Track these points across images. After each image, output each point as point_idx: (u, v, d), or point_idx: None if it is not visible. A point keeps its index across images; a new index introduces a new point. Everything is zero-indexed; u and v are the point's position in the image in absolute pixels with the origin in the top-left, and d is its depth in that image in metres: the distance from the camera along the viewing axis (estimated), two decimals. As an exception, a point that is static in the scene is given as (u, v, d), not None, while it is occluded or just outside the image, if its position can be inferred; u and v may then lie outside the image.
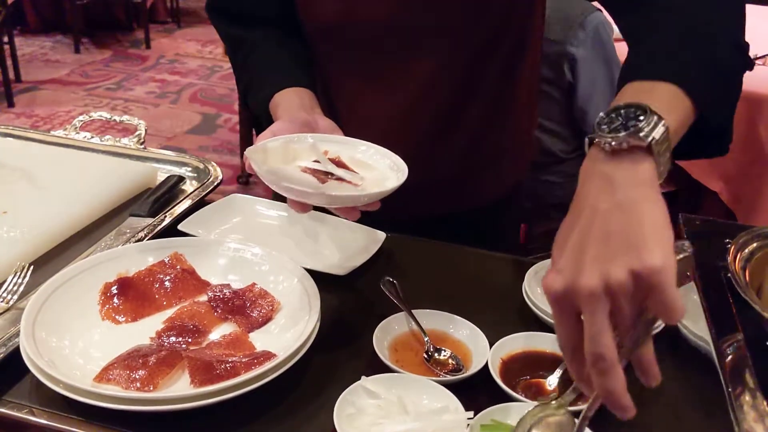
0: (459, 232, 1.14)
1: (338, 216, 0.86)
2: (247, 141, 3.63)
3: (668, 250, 0.57)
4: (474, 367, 0.83)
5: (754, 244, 0.89)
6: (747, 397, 0.70)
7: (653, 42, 0.78)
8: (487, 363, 0.83)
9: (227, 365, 0.78)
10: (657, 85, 0.70)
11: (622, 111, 0.65)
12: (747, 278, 0.84)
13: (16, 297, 0.89)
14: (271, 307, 0.91)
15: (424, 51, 1.05)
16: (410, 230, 1.12)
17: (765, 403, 0.69)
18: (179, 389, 0.78)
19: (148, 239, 1.02)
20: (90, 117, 1.38)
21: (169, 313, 0.90)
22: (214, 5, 1.18)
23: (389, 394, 0.77)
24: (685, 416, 0.80)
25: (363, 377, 0.78)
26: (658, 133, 0.63)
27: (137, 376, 0.76)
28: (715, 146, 0.82)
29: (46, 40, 5.72)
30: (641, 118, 0.63)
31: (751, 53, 0.82)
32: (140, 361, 0.78)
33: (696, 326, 0.88)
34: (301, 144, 0.89)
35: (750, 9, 0.82)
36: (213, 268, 0.97)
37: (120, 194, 1.16)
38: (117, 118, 1.38)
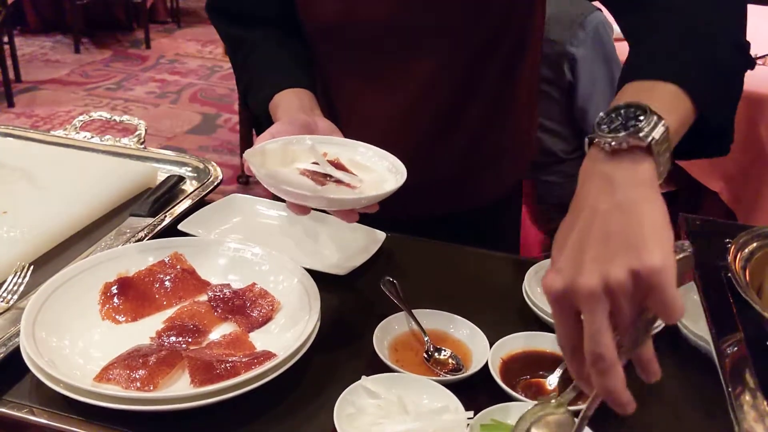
0: (459, 232, 1.14)
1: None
2: (247, 141, 3.63)
3: (668, 249, 0.57)
4: (474, 367, 0.83)
5: (754, 244, 0.89)
6: (747, 397, 0.70)
7: (653, 42, 0.78)
8: (487, 363, 0.83)
9: (227, 365, 0.78)
10: (657, 85, 0.70)
11: (622, 111, 0.65)
12: (747, 278, 0.84)
13: (16, 297, 0.89)
14: (271, 307, 0.91)
15: (424, 51, 1.05)
16: (410, 230, 1.12)
17: (765, 403, 0.69)
18: (179, 389, 0.78)
19: (148, 239, 1.02)
20: (90, 117, 1.38)
21: (169, 312, 0.90)
22: (214, 5, 1.18)
23: (389, 394, 0.77)
24: (685, 416, 0.80)
25: (363, 377, 0.78)
26: (658, 133, 0.63)
27: (137, 376, 0.76)
28: (715, 146, 0.82)
29: (46, 40, 5.72)
30: (641, 118, 0.63)
31: (752, 53, 0.82)
32: (140, 360, 0.78)
33: (696, 326, 0.88)
34: (300, 146, 0.89)
35: (750, 9, 0.82)
36: (213, 268, 0.97)
37: (120, 194, 1.16)
38: (117, 118, 1.38)
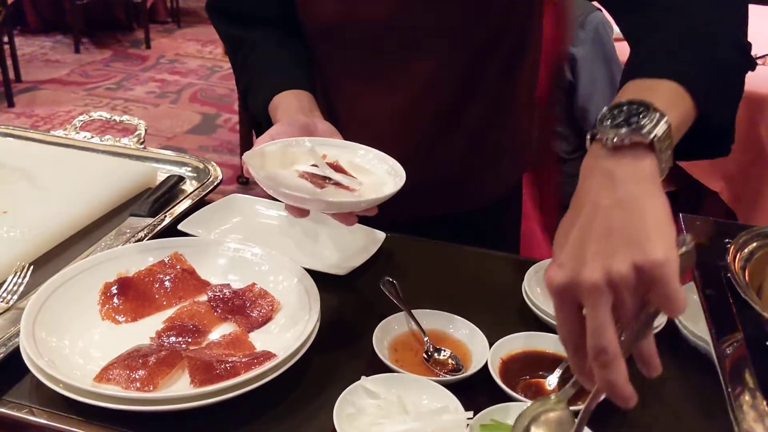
0: (459, 232, 1.14)
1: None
2: (247, 141, 3.63)
3: (671, 243, 0.57)
4: (474, 367, 0.83)
5: (754, 244, 0.89)
6: (747, 397, 0.70)
7: (653, 42, 0.78)
8: (486, 363, 0.83)
9: (227, 365, 0.78)
10: (658, 83, 0.70)
11: (625, 107, 0.65)
12: (747, 278, 0.84)
13: (16, 297, 0.89)
14: (270, 307, 0.91)
15: (424, 51, 1.05)
16: (410, 230, 1.12)
17: (765, 403, 0.69)
18: (179, 389, 0.78)
19: (148, 239, 1.02)
20: (90, 117, 1.38)
21: (169, 313, 0.90)
22: (214, 5, 1.18)
23: (389, 394, 0.77)
24: (685, 416, 0.80)
25: (363, 377, 0.78)
26: (660, 130, 0.63)
27: (137, 376, 0.76)
28: (717, 147, 0.82)
29: (46, 40, 5.73)
30: (644, 114, 0.63)
31: (752, 53, 0.82)
32: (140, 361, 0.78)
33: (696, 326, 0.88)
34: (299, 148, 0.89)
35: (750, 9, 0.82)
36: (213, 268, 0.97)
37: (120, 194, 1.16)
38: (117, 118, 1.38)
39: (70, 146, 1.30)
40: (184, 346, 0.85)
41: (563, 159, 2.19)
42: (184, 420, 0.75)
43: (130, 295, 0.91)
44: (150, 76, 5.17)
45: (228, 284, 0.95)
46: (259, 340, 0.86)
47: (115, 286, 0.91)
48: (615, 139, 0.63)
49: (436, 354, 0.86)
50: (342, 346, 0.88)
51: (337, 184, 0.85)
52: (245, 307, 0.90)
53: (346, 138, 0.96)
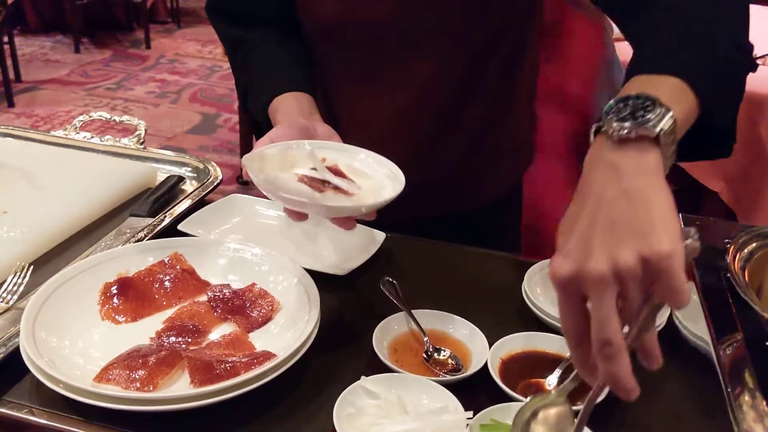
0: (459, 232, 1.14)
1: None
2: (247, 141, 3.63)
3: (676, 235, 0.57)
4: (473, 367, 0.83)
5: (754, 244, 0.89)
6: (746, 397, 0.70)
7: (655, 41, 0.78)
8: (486, 363, 0.83)
9: (227, 365, 0.78)
10: (663, 79, 0.70)
11: (631, 101, 0.65)
12: (746, 278, 0.84)
13: (16, 297, 0.89)
14: (270, 307, 0.91)
15: (424, 51, 1.05)
16: (410, 230, 1.12)
17: (764, 403, 0.69)
18: (179, 389, 0.78)
19: (148, 239, 1.02)
20: (90, 117, 1.38)
21: (169, 313, 0.90)
22: (214, 5, 1.18)
23: (389, 394, 0.77)
24: (685, 416, 0.81)
25: (363, 377, 0.79)
26: (666, 124, 0.63)
27: (137, 376, 0.76)
28: (718, 147, 0.82)
29: (46, 40, 5.73)
30: (650, 108, 0.64)
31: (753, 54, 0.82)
32: (140, 361, 0.78)
33: (696, 326, 0.88)
34: (298, 151, 0.89)
35: (751, 9, 0.82)
36: (213, 268, 0.97)
37: (120, 194, 1.16)
38: (117, 118, 1.38)
39: (70, 146, 1.30)
40: (183, 346, 0.85)
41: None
42: (184, 420, 0.75)
43: (130, 295, 0.91)
44: (150, 76, 5.17)
45: (228, 284, 0.95)
46: (259, 340, 0.86)
47: (115, 286, 0.91)
48: (621, 132, 0.63)
49: (435, 354, 0.86)
50: (342, 346, 0.88)
51: (336, 188, 0.85)
52: (245, 307, 0.90)
53: (346, 138, 0.96)
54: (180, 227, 1.07)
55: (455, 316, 0.91)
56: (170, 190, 1.16)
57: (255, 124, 1.16)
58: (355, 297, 0.98)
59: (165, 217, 1.08)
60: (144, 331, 0.87)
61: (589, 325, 0.58)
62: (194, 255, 0.98)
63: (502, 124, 1.17)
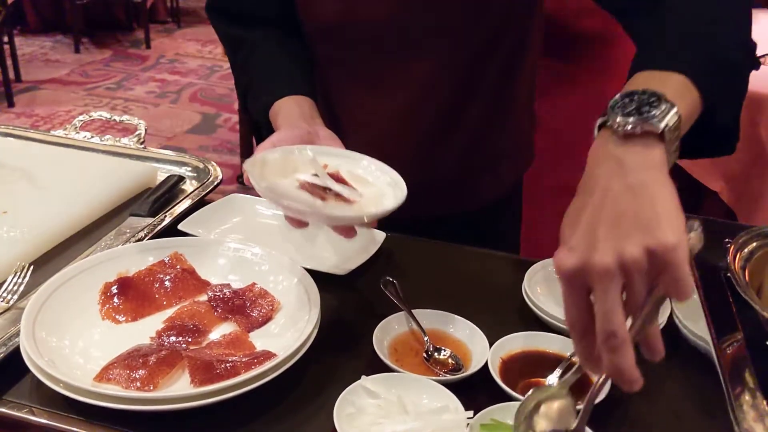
0: (459, 232, 1.14)
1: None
2: (247, 141, 3.63)
3: (681, 228, 0.58)
4: (474, 367, 0.83)
5: (754, 244, 0.89)
6: (747, 397, 0.70)
7: (659, 40, 0.79)
8: (486, 362, 0.83)
9: (227, 365, 0.78)
10: (667, 75, 0.71)
11: (636, 96, 0.65)
12: (747, 278, 0.84)
13: (16, 297, 0.89)
14: (271, 307, 0.91)
15: (424, 51, 1.05)
16: (410, 230, 1.12)
17: (764, 402, 0.69)
18: (179, 389, 0.78)
19: (148, 239, 1.02)
20: (90, 117, 1.38)
21: (169, 312, 0.90)
22: (214, 5, 1.18)
23: (389, 394, 0.77)
24: (685, 416, 0.80)
25: (363, 377, 0.78)
26: (671, 120, 0.64)
27: (137, 376, 0.76)
28: (722, 145, 0.82)
29: (46, 39, 5.73)
30: (655, 104, 0.64)
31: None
32: (140, 360, 0.78)
33: (696, 326, 0.88)
34: (300, 156, 0.89)
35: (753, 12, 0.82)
36: (213, 268, 0.97)
37: (120, 194, 1.16)
38: (117, 118, 1.38)
39: (70, 146, 1.30)
40: (184, 345, 0.85)
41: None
42: (184, 420, 0.75)
43: (130, 295, 0.91)
44: (150, 75, 5.17)
45: (228, 284, 0.95)
46: (259, 339, 0.86)
47: (115, 286, 0.91)
48: (626, 128, 0.63)
49: (436, 354, 0.86)
50: (342, 346, 0.88)
51: (338, 195, 0.85)
52: (245, 306, 0.90)
53: (346, 138, 0.96)
54: (180, 227, 1.06)
55: (455, 316, 0.91)
56: (170, 190, 1.16)
57: (255, 125, 1.16)
58: (355, 297, 0.98)
59: (165, 216, 1.08)
60: (144, 330, 0.87)
61: (593, 317, 0.58)
62: (194, 255, 0.98)
63: (502, 124, 1.17)
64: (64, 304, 0.87)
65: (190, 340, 0.85)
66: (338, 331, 0.90)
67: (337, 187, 0.85)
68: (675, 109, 0.64)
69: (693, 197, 2.40)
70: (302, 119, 0.97)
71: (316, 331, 0.83)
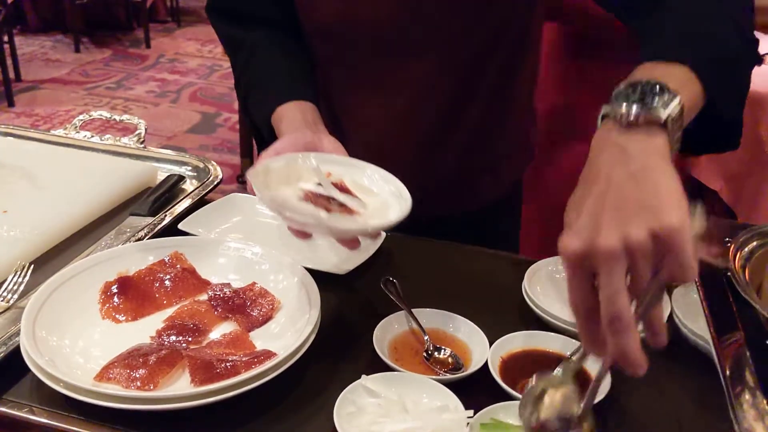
0: (459, 232, 1.14)
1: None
2: (247, 141, 3.63)
3: (685, 211, 0.58)
4: (474, 366, 0.83)
5: (754, 243, 0.89)
6: (747, 396, 0.70)
7: (661, 34, 0.79)
8: (486, 362, 0.83)
9: (227, 364, 0.78)
10: (670, 66, 0.71)
11: (639, 86, 0.66)
12: (747, 277, 0.84)
13: (16, 296, 0.89)
14: (271, 306, 0.91)
15: (424, 51, 1.05)
16: (410, 230, 1.11)
17: (765, 401, 0.69)
18: (179, 388, 0.78)
19: (148, 238, 1.02)
20: (90, 116, 1.38)
21: (170, 312, 0.90)
22: (215, 5, 1.18)
23: (389, 393, 0.77)
24: (685, 415, 0.81)
25: (363, 376, 0.79)
26: (674, 110, 0.64)
27: (137, 375, 0.76)
28: (726, 139, 0.83)
29: (46, 39, 5.73)
30: (658, 94, 0.65)
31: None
32: (140, 360, 0.78)
33: (696, 325, 0.88)
34: (304, 164, 0.88)
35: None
36: (213, 267, 0.97)
37: (120, 193, 1.16)
38: (117, 118, 1.38)
39: (70, 146, 1.30)
40: (184, 345, 0.85)
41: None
42: (185, 419, 0.75)
43: (131, 295, 0.91)
44: (150, 75, 5.17)
45: (228, 283, 0.95)
46: (260, 339, 0.86)
47: (116, 286, 0.91)
48: (629, 117, 0.64)
49: (436, 353, 0.86)
50: (342, 345, 0.88)
51: (342, 205, 0.84)
52: (245, 306, 0.90)
53: (346, 139, 0.96)
54: (180, 226, 1.07)
55: (456, 315, 0.91)
56: (170, 190, 1.16)
57: (254, 128, 1.16)
58: (355, 296, 0.99)
59: (165, 216, 1.08)
60: (144, 330, 0.87)
61: (596, 300, 0.58)
62: (194, 254, 0.98)
63: (502, 124, 1.17)
64: (65, 304, 0.87)
65: (190, 339, 0.85)
66: (338, 331, 0.91)
67: (340, 197, 0.85)
68: (678, 99, 0.65)
69: (693, 197, 2.40)
70: (305, 125, 0.97)
71: (316, 330, 0.83)
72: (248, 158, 3.70)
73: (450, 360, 0.86)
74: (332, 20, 1.06)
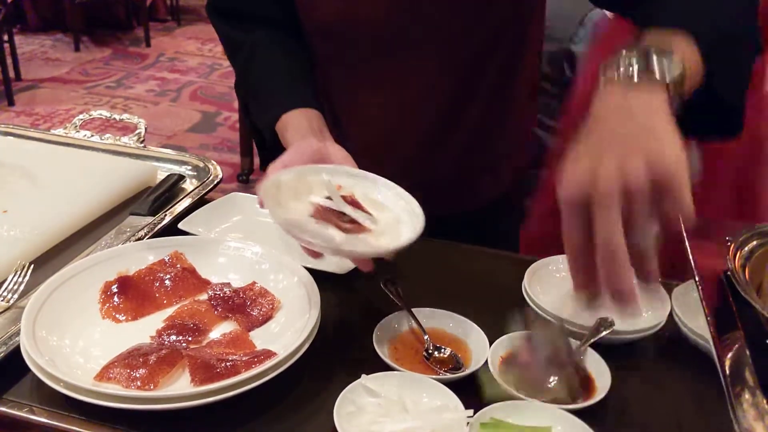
0: (459, 231, 1.14)
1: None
2: (247, 140, 3.63)
3: (683, 152, 0.60)
4: (474, 366, 0.83)
5: (754, 242, 0.89)
6: (747, 396, 0.70)
7: (662, 15, 0.80)
8: (486, 361, 0.83)
9: (227, 364, 0.78)
10: (672, 33, 0.72)
11: (642, 49, 0.67)
12: (747, 276, 0.84)
13: (16, 296, 0.89)
14: (271, 306, 0.91)
15: (424, 51, 1.05)
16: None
17: (765, 401, 0.69)
18: (179, 388, 0.78)
19: (148, 238, 1.02)
20: (90, 115, 1.38)
21: (170, 311, 0.90)
22: (215, 5, 1.18)
23: (389, 393, 0.77)
24: (685, 415, 0.81)
25: (363, 376, 0.79)
26: (675, 71, 0.66)
27: (138, 375, 0.76)
28: (728, 125, 0.83)
29: (46, 38, 5.72)
30: (660, 57, 0.66)
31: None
32: (140, 359, 0.78)
33: (696, 325, 0.88)
34: (315, 177, 0.88)
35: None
36: (213, 267, 0.97)
37: (120, 193, 1.16)
38: (117, 117, 1.38)
39: (70, 145, 1.30)
40: (184, 344, 0.85)
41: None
42: (185, 419, 0.75)
43: (131, 294, 0.91)
44: (150, 74, 5.17)
45: (228, 283, 0.95)
46: (260, 338, 0.86)
47: (116, 285, 0.91)
48: (632, 78, 0.65)
49: (436, 352, 0.86)
50: (342, 344, 0.88)
51: (352, 221, 0.84)
52: (245, 305, 0.90)
53: (346, 138, 0.96)
54: (180, 226, 1.07)
55: (455, 315, 0.91)
56: (170, 189, 1.16)
57: (254, 129, 1.15)
58: (355, 296, 0.99)
59: (165, 215, 1.08)
60: (144, 329, 0.87)
61: (590, 239, 0.59)
62: (194, 253, 0.98)
63: (502, 124, 1.17)
64: (65, 303, 0.87)
65: (190, 339, 0.86)
66: (338, 331, 0.91)
67: (352, 213, 0.85)
68: (679, 62, 0.66)
69: (692, 196, 2.40)
70: (311, 134, 0.96)
71: (316, 330, 0.83)
72: (248, 157, 3.70)
73: (450, 359, 0.86)
74: (332, 19, 1.06)
